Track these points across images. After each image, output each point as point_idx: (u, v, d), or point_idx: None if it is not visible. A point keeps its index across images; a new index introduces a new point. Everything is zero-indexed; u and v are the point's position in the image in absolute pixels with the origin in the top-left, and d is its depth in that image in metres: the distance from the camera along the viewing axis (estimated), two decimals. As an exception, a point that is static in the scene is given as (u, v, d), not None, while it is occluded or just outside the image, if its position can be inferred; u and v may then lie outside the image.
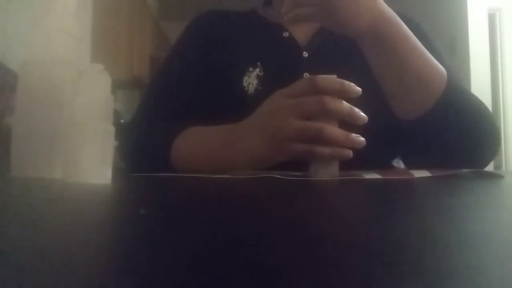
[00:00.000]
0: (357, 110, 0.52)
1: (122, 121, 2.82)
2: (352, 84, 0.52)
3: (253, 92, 0.70)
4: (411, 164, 0.67)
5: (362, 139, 0.52)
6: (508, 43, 3.25)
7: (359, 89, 0.52)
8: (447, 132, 0.59)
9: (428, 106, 0.58)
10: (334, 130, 0.51)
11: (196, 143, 0.63)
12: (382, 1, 0.58)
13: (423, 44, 0.59)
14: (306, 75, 0.68)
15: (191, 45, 0.80)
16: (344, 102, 0.52)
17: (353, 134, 0.52)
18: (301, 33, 0.76)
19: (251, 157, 0.56)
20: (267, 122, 0.55)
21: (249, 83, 0.71)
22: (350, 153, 0.51)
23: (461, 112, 0.59)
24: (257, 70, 0.71)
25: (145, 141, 0.68)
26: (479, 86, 2.84)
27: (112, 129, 0.44)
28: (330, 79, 0.52)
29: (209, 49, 0.77)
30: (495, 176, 0.54)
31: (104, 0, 2.77)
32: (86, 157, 0.42)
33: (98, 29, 2.66)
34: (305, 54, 0.73)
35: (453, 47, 3.13)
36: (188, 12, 1.82)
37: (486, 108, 0.63)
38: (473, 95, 0.65)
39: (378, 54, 0.59)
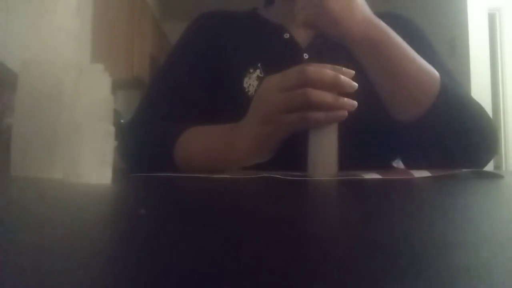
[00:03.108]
0: (342, 77, 0.52)
1: (122, 121, 2.82)
2: (348, 79, 0.52)
3: (253, 93, 0.70)
4: (411, 164, 0.67)
5: (354, 102, 0.52)
6: (508, 43, 3.25)
7: (355, 84, 0.52)
8: (444, 134, 0.59)
9: (422, 109, 0.59)
10: (319, 93, 0.51)
11: (198, 143, 0.63)
12: (371, 12, 0.60)
13: (418, 41, 0.60)
14: None
15: (192, 45, 0.79)
16: (328, 76, 0.51)
17: (344, 98, 0.52)
18: (302, 34, 0.75)
19: (251, 148, 0.56)
20: (257, 104, 0.56)
21: (250, 84, 0.71)
22: (345, 113, 0.51)
23: (457, 115, 0.60)
24: (258, 71, 0.71)
25: (146, 140, 0.68)
26: (479, 86, 2.84)
27: (112, 129, 0.44)
28: (323, 71, 0.52)
29: (209, 50, 0.77)
30: (495, 176, 0.54)
31: (104, 0, 2.77)
32: (86, 157, 0.42)
33: (98, 29, 2.66)
34: (306, 55, 0.73)
35: (453, 47, 3.12)
36: (188, 12, 1.82)
37: (482, 109, 0.63)
38: (468, 96, 0.65)
39: (371, 59, 0.60)
